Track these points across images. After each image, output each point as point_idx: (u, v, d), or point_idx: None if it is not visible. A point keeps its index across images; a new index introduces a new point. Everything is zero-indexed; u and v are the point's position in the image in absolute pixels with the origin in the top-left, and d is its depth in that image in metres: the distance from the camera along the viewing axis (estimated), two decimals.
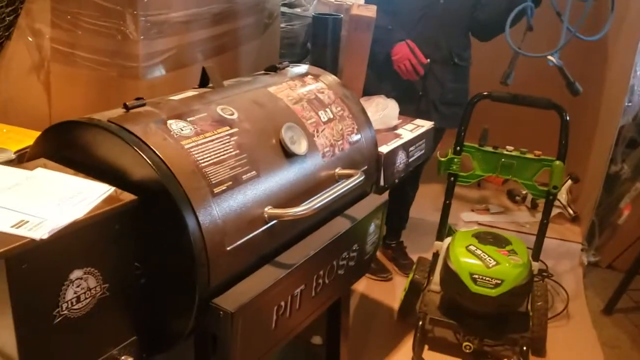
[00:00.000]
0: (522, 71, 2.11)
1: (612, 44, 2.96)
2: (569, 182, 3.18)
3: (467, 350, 2.01)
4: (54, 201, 0.93)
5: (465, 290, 1.93)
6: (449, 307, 2.08)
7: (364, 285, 2.49)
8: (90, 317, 0.95)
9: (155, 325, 1.10)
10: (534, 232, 2.22)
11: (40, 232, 0.85)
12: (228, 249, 1.09)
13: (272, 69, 1.54)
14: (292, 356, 1.83)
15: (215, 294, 1.08)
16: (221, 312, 1.05)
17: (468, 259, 1.98)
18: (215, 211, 1.07)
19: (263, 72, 1.55)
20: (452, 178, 2.21)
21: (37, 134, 1.14)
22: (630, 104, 2.82)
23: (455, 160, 2.17)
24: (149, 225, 1.01)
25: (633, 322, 2.45)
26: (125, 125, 1.05)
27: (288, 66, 1.57)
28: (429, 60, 2.25)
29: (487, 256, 1.97)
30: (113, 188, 0.99)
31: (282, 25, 3.19)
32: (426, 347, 2.09)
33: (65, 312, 0.91)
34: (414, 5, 2.26)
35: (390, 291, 2.50)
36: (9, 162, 1.19)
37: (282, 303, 1.21)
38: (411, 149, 1.72)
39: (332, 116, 1.47)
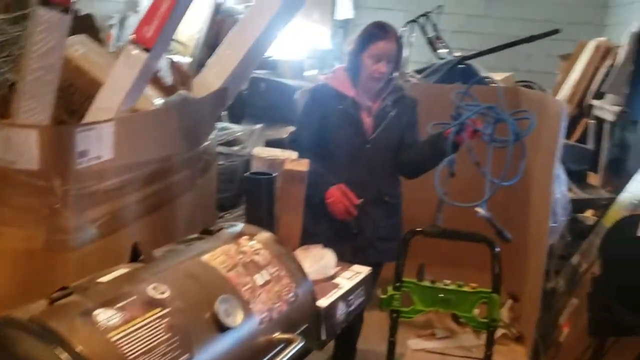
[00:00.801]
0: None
1: (532, 170, 3.15)
2: (510, 301, 3.24)
3: None
4: None
5: None
6: None
7: None
8: None
9: None
10: (481, 355, 2.23)
11: None
12: None
13: (207, 232, 1.55)
14: None
15: None
16: None
17: None
18: None
19: (197, 235, 1.55)
20: (394, 314, 2.22)
21: None
22: (555, 224, 2.96)
23: (396, 296, 2.19)
24: None
25: None
26: (48, 324, 1.01)
27: (222, 228, 1.59)
28: (361, 200, 2.34)
29: None
30: None
31: (220, 162, 3.25)
32: None
33: None
34: (343, 151, 2.38)
35: None
36: None
37: None
38: (350, 297, 1.73)
39: (268, 278, 1.47)
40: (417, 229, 2.22)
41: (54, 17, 1.67)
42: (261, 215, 1.71)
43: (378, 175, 2.42)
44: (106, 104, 1.80)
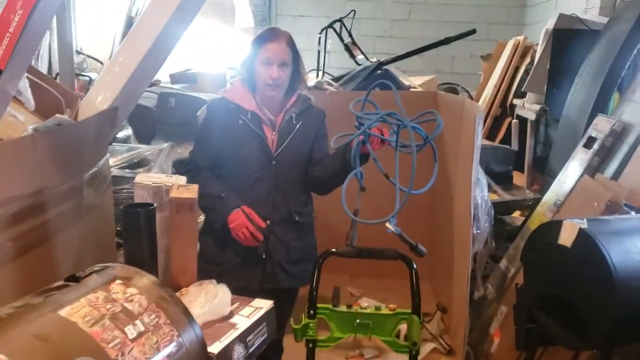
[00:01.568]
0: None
1: (453, 176, 3.06)
2: (438, 313, 3.14)
3: None
4: None
5: None
6: None
7: None
8: None
9: None
10: None
11: None
12: None
13: (73, 279, 1.34)
14: None
15: None
16: None
17: None
18: None
19: (62, 283, 1.34)
20: (310, 344, 2.05)
21: None
22: (478, 231, 2.88)
23: (311, 325, 2.02)
24: None
25: None
26: None
27: (93, 272, 1.38)
28: (268, 222, 2.17)
29: None
30: None
31: (125, 187, 3.00)
32: None
33: None
34: (247, 169, 2.20)
35: None
36: None
37: None
38: (250, 337, 1.55)
39: (143, 329, 1.27)
40: (331, 250, 2.07)
41: None
42: (141, 253, 1.51)
43: (286, 194, 2.24)
44: None
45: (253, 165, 2.19)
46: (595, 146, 3.10)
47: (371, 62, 3.76)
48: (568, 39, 3.97)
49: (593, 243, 1.91)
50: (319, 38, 4.16)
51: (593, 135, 3.15)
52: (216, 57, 6.20)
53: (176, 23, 2.27)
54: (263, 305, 1.63)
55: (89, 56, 6.17)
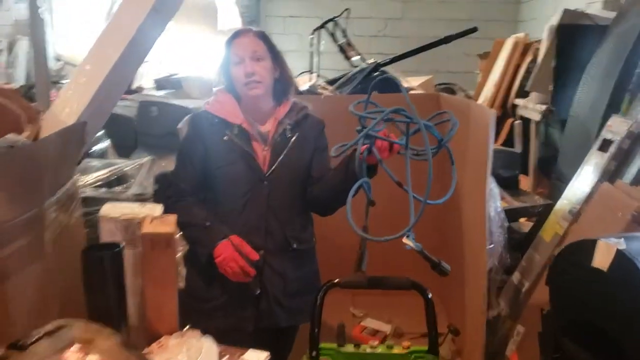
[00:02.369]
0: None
1: (461, 186, 2.82)
2: (449, 335, 2.89)
3: None
4: None
5: None
6: None
7: None
8: None
9: None
10: None
11: None
12: None
13: (15, 346, 1.08)
14: None
15: None
16: None
17: None
18: None
19: (2, 352, 1.08)
20: None
21: None
22: (492, 245, 2.64)
23: None
24: None
25: None
26: None
27: (44, 335, 1.12)
28: (261, 252, 1.90)
29: None
30: None
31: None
32: None
33: None
34: (235, 191, 1.93)
35: None
36: None
37: None
38: None
39: None
40: (334, 281, 1.82)
41: None
42: (107, 304, 1.26)
43: (282, 218, 1.98)
44: None
45: (242, 186, 1.93)
46: (612, 149, 2.85)
47: (368, 63, 3.50)
48: (574, 35, 3.74)
49: (633, 266, 1.67)
50: (311, 39, 3.90)
51: (608, 138, 2.91)
52: (203, 61, 5.92)
53: (151, 26, 2.01)
54: (257, 358, 1.38)
55: (68, 62, 5.89)
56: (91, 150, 3.01)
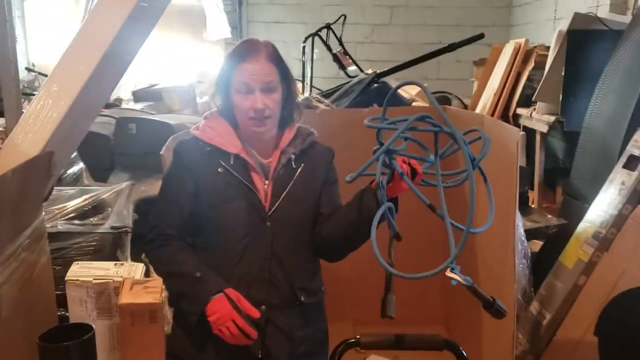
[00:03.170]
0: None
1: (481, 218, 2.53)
2: None
3: None
4: None
5: None
6: None
7: None
8: None
9: None
10: None
11: None
12: None
13: None
14: None
15: None
16: None
17: None
18: None
19: None
20: None
21: None
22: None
23: None
24: None
25: None
26: None
27: None
28: (263, 308, 1.60)
29: None
30: None
31: (76, 241, 2.46)
32: None
33: None
34: (232, 235, 1.62)
35: None
36: None
37: None
38: None
39: None
40: (351, 340, 1.53)
41: None
42: None
43: (288, 266, 1.66)
44: None
45: (240, 228, 1.61)
46: None
47: (366, 73, 3.22)
48: (585, 41, 3.50)
49: None
50: (303, 47, 3.61)
51: (636, 154, 2.66)
52: (184, 71, 5.61)
53: (129, 36, 1.70)
54: None
55: (41, 73, 5.53)
56: (63, 176, 2.68)
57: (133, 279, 1.14)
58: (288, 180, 1.67)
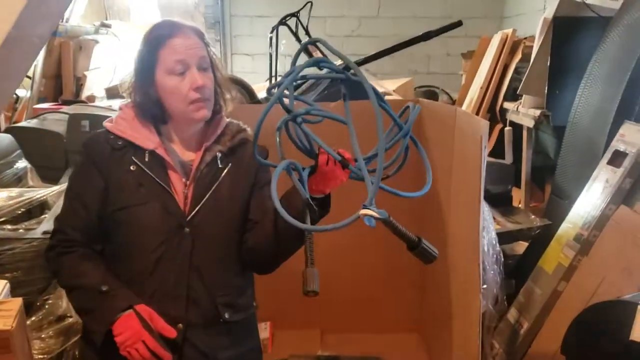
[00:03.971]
0: None
1: (445, 205, 2.34)
2: None
3: None
4: None
5: None
6: None
7: None
8: None
9: None
10: None
11: None
12: None
13: None
14: None
15: None
16: None
17: None
18: None
19: None
20: None
21: None
22: (485, 286, 2.17)
23: None
24: None
25: None
26: None
27: None
28: (180, 326, 1.41)
29: None
30: None
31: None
32: None
33: None
34: (145, 243, 1.42)
35: None
36: None
37: None
38: None
39: None
40: None
41: None
42: None
43: (209, 279, 1.47)
44: None
45: (154, 236, 1.41)
46: (626, 163, 2.41)
47: (335, 65, 3.00)
48: (572, 28, 3.29)
49: None
50: (270, 39, 3.41)
51: (621, 149, 2.46)
52: None
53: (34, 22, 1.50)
54: None
55: None
56: (0, 177, 2.49)
57: None
58: (212, 182, 1.48)
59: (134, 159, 1.44)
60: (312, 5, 3.27)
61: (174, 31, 1.43)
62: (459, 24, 2.98)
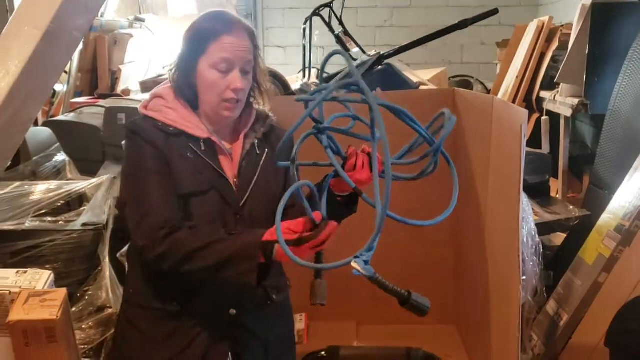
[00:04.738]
0: None
1: (483, 197, 2.30)
2: None
3: None
4: None
5: None
6: None
7: None
8: None
9: None
10: None
11: None
12: None
13: None
14: None
15: None
16: None
17: None
18: None
19: None
20: None
21: None
22: (524, 277, 2.13)
23: None
24: None
25: None
26: None
27: None
28: (233, 311, 1.46)
29: None
30: None
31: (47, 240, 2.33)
32: None
33: None
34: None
35: None
36: None
37: None
38: None
39: None
40: (318, 354, 1.34)
41: None
42: None
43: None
44: None
45: (211, 222, 1.42)
46: None
47: (369, 55, 2.99)
48: (611, 14, 3.21)
49: None
50: (303, 30, 3.40)
51: None
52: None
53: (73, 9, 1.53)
54: None
55: None
56: (40, 170, 2.54)
57: (32, 290, 0.97)
58: (255, 168, 1.50)
59: (191, 146, 1.44)
60: None
61: (228, 28, 1.42)
62: (495, 11, 2.93)
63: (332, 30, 3.34)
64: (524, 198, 2.23)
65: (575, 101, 3.43)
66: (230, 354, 1.47)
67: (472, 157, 2.49)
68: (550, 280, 2.68)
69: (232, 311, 1.46)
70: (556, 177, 3.83)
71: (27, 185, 2.27)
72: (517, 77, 4.27)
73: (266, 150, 1.52)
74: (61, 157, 2.70)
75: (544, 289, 2.31)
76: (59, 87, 4.81)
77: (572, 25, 3.66)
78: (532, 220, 2.22)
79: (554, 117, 3.92)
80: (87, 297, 2.20)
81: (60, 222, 2.18)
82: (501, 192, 2.08)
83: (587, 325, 2.26)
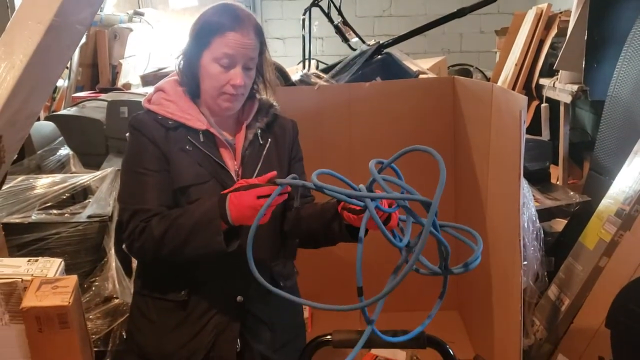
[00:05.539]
0: None
1: (483, 183, 2.33)
2: None
3: None
4: None
5: None
6: None
7: None
8: None
9: None
10: None
11: None
12: None
13: None
14: None
15: None
16: None
17: None
18: None
19: None
20: None
21: None
22: (525, 262, 2.16)
23: None
24: None
25: None
26: None
27: None
28: (240, 298, 1.49)
29: None
30: None
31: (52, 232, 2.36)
32: None
33: None
34: None
35: None
36: None
37: None
38: None
39: None
40: (323, 338, 1.37)
41: None
42: None
43: (266, 251, 1.51)
44: None
45: None
46: None
47: (368, 45, 3.01)
48: (609, 0, 3.21)
49: None
50: (303, 20, 3.41)
51: None
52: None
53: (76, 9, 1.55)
54: None
55: None
56: (45, 163, 2.57)
57: (43, 278, 1.00)
58: (257, 158, 1.52)
59: (189, 138, 1.46)
60: None
61: (235, 25, 1.43)
62: None
63: (331, 20, 3.36)
64: (525, 184, 2.25)
65: (575, 87, 3.44)
66: (239, 340, 1.50)
67: (472, 144, 2.51)
68: (551, 265, 2.71)
69: (240, 298, 1.49)
70: (556, 163, 3.85)
71: (32, 178, 2.29)
72: (516, 64, 4.28)
73: (269, 139, 1.54)
74: (65, 150, 2.72)
75: (545, 274, 2.33)
76: (60, 82, 4.82)
77: (571, 11, 3.67)
78: (533, 206, 2.24)
79: (553, 104, 3.93)
80: (93, 288, 2.23)
81: (66, 215, 2.21)
82: (502, 178, 2.10)
83: (589, 309, 2.29)
